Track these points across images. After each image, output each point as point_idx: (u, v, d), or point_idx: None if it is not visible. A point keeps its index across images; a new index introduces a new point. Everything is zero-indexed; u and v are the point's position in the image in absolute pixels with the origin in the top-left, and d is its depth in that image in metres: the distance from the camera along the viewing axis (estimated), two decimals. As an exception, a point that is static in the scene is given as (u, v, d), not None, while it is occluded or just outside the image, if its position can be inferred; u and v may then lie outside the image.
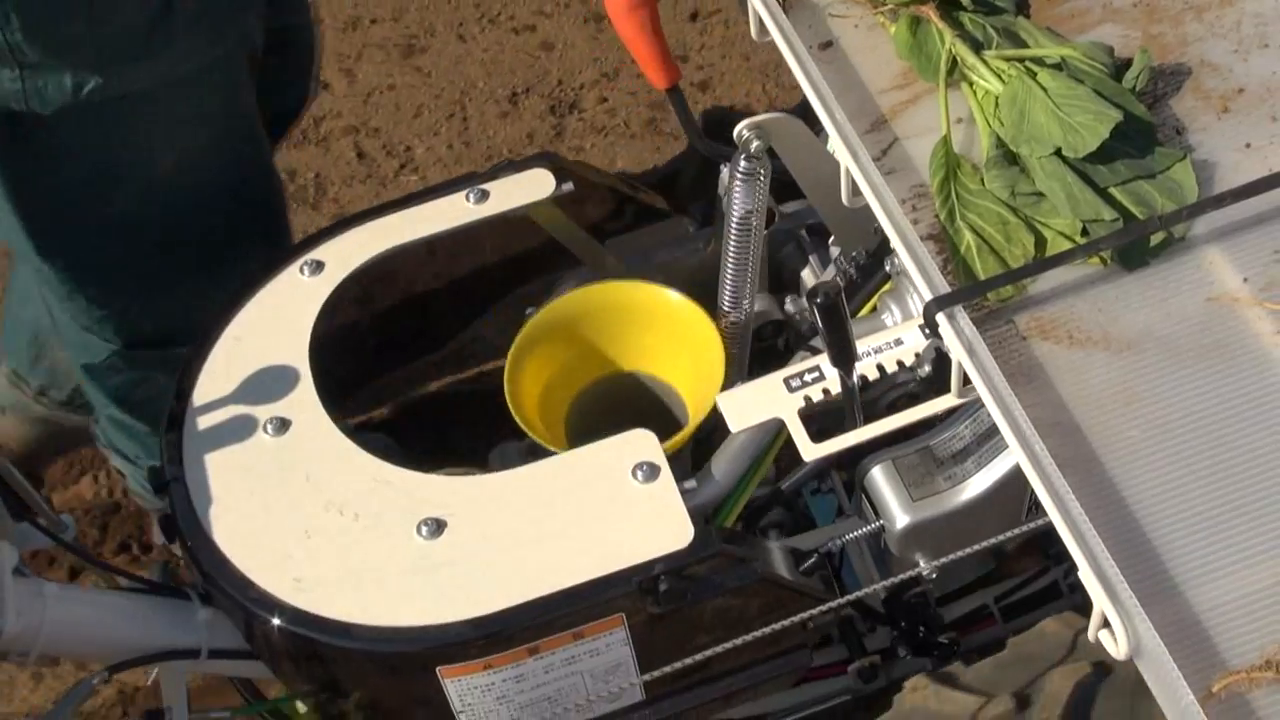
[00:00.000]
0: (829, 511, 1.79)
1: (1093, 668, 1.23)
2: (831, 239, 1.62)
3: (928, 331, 1.25)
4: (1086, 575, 0.95)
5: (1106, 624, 0.95)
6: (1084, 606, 1.67)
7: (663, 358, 1.53)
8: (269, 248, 1.82)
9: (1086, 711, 1.22)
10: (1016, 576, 1.79)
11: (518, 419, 1.41)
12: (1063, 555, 1.75)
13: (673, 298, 1.50)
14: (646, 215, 1.70)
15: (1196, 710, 0.89)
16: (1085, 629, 1.28)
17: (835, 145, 1.18)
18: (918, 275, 1.10)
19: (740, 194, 1.43)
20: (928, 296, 1.09)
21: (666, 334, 1.52)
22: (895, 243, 1.13)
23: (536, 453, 1.43)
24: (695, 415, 1.43)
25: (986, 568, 1.79)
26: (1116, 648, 0.94)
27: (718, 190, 1.53)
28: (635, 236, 1.70)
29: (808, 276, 1.69)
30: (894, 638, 1.68)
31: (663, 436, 1.34)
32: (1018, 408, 1.02)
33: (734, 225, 1.44)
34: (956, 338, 1.06)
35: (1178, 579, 0.95)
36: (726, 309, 1.50)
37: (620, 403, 1.53)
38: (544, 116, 2.79)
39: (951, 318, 1.07)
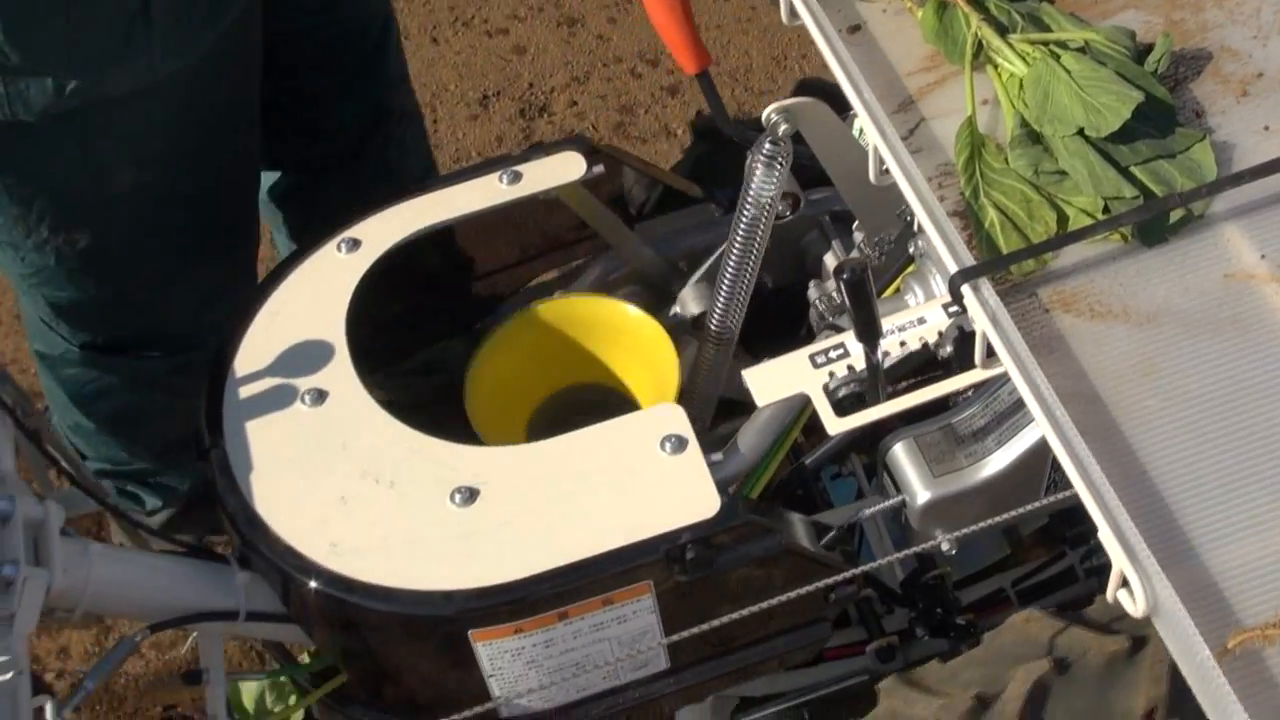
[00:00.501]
0: (849, 495, 1.82)
1: (1052, 664, 1.27)
2: (855, 224, 1.65)
3: (953, 307, 1.29)
4: (1106, 536, 0.98)
5: (1125, 584, 0.98)
6: (1072, 602, 1.71)
7: (621, 370, 1.60)
8: (235, 258, 1.85)
9: (1040, 708, 1.25)
10: (1032, 562, 1.82)
11: (477, 429, 1.48)
12: (1078, 540, 1.78)
13: (631, 313, 1.58)
14: (674, 200, 1.74)
15: (1212, 665, 0.92)
16: (1054, 627, 1.32)
17: (864, 124, 1.22)
18: (944, 249, 1.13)
19: (758, 177, 1.45)
20: (953, 269, 1.12)
21: (624, 347, 1.58)
22: (921, 218, 1.16)
23: None
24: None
25: (1003, 552, 1.82)
26: (1135, 606, 0.97)
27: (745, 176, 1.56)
28: (663, 221, 1.74)
29: (830, 262, 1.72)
30: (912, 619, 1.72)
31: None
32: (1040, 376, 1.05)
33: (746, 207, 1.47)
34: (981, 309, 1.09)
35: (1194, 542, 0.98)
36: (724, 289, 1.52)
37: (581, 412, 1.53)
38: (514, 119, 2.83)
39: (976, 289, 1.10)
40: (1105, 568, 1.75)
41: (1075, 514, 1.72)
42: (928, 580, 1.70)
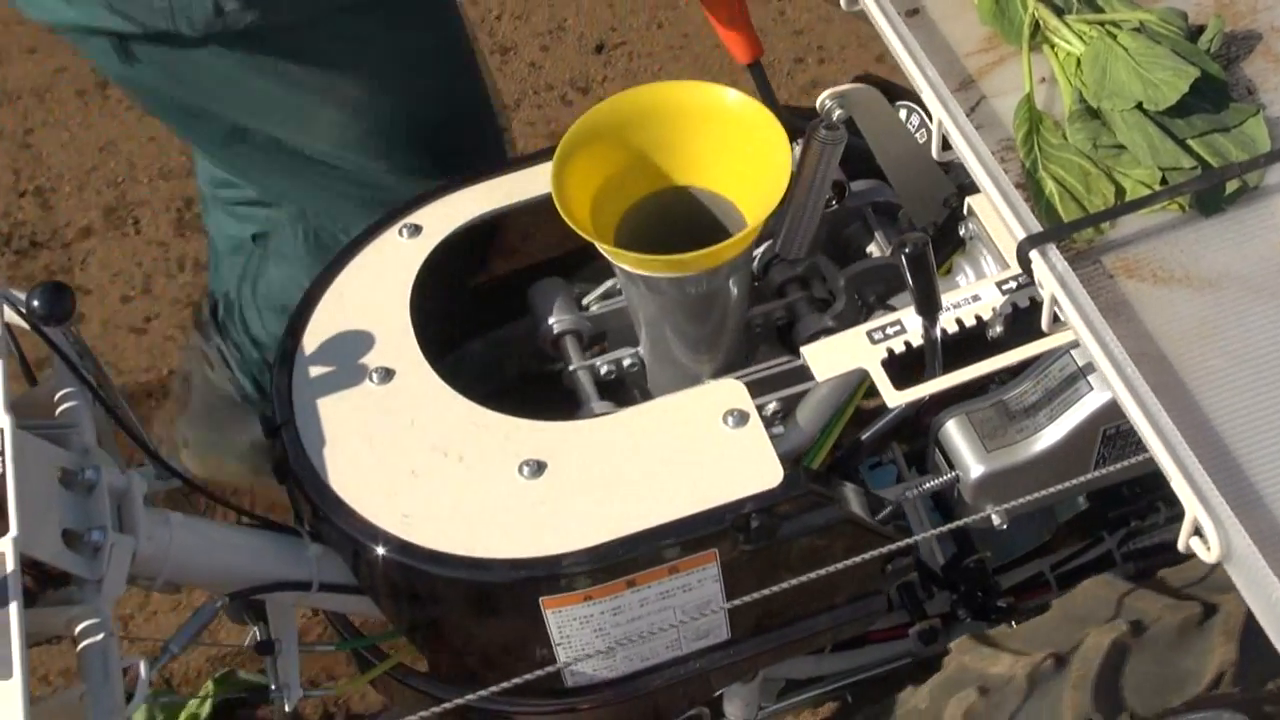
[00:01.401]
0: (888, 484, 1.85)
1: (1129, 627, 1.30)
2: (900, 212, 1.69)
3: (1007, 284, 1.33)
4: (1179, 484, 1.02)
5: (1197, 533, 1.02)
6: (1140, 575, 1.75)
7: (721, 166, 1.46)
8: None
9: (1120, 668, 1.29)
10: (1070, 547, 1.85)
11: (569, 221, 1.36)
12: (1117, 523, 1.81)
13: (730, 97, 1.45)
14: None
15: (1287, 603, 0.96)
16: (1126, 590, 1.36)
17: (928, 101, 1.26)
18: (1011, 217, 1.17)
19: (816, 160, 1.49)
20: (1020, 236, 1.16)
21: (723, 138, 1.44)
22: (987, 188, 1.20)
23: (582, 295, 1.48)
24: (753, 221, 1.39)
25: (1042, 539, 1.86)
26: (1209, 551, 1.01)
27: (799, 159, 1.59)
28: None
29: (873, 251, 1.76)
30: (954, 602, 1.75)
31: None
32: (1111, 336, 1.09)
33: (800, 190, 1.50)
34: (1050, 272, 1.13)
35: (1263, 491, 1.02)
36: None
37: (674, 218, 1.48)
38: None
39: (1044, 254, 1.14)
40: (1144, 552, 1.81)
41: (1115, 497, 1.77)
42: (969, 564, 1.73)
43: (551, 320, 1.58)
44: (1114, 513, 1.76)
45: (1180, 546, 1.04)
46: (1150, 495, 1.76)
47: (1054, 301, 1.14)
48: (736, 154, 1.44)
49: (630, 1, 3.12)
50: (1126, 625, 1.39)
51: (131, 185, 2.93)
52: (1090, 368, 1.37)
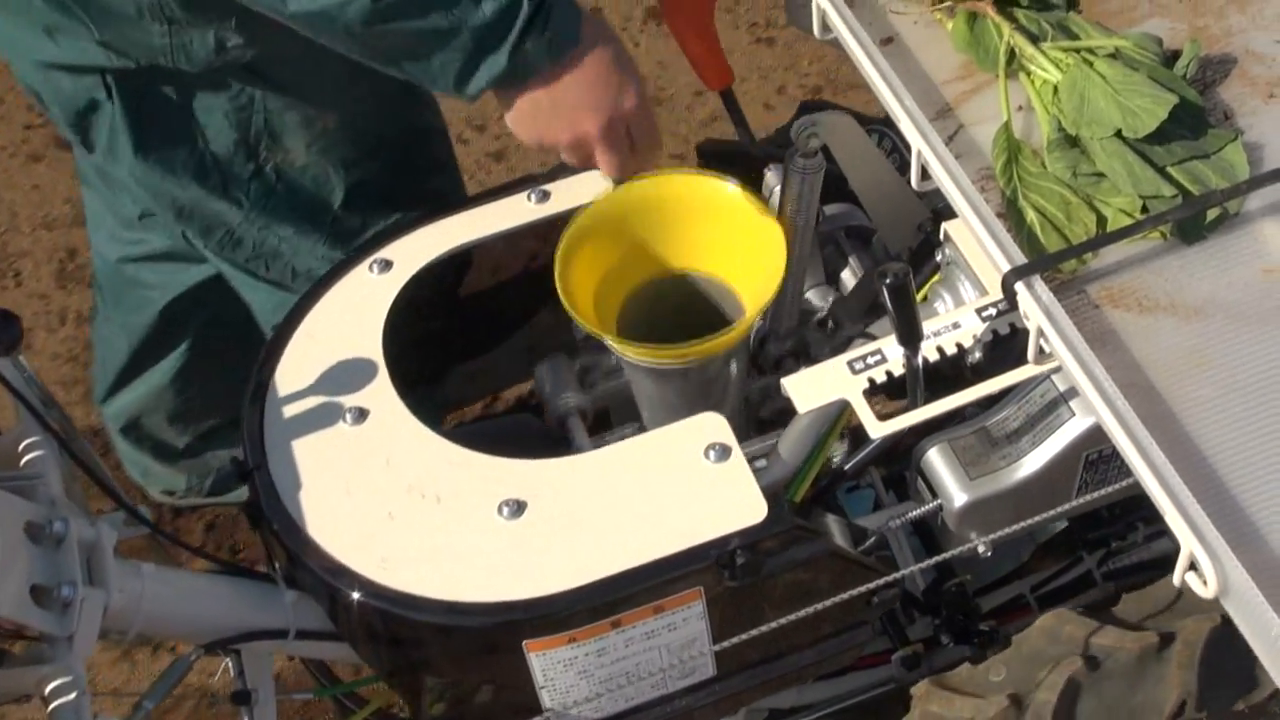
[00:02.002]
0: (865, 507, 1.84)
1: (1083, 663, 1.30)
2: (875, 237, 1.68)
3: (986, 311, 1.32)
4: (1174, 520, 1.01)
5: (1193, 567, 1.01)
6: (1099, 602, 1.74)
7: (718, 253, 1.51)
8: (439, 194, 1.83)
9: (1073, 704, 1.28)
10: (1049, 569, 1.85)
11: (571, 312, 1.40)
12: (1096, 544, 1.81)
13: (729, 189, 1.48)
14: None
15: (1287, 639, 0.95)
16: (1084, 626, 1.36)
17: (906, 131, 1.25)
18: (994, 248, 1.16)
19: (797, 189, 1.48)
20: (1005, 268, 1.15)
21: (722, 227, 1.49)
22: (969, 218, 1.19)
23: (586, 370, 1.48)
24: (752, 310, 1.43)
25: (1020, 560, 1.85)
26: (1205, 588, 1.00)
27: (761, 192, 1.58)
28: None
29: (847, 277, 1.75)
30: (936, 626, 1.73)
31: (716, 333, 1.38)
32: (1099, 368, 1.08)
33: (793, 223, 1.50)
34: (1035, 304, 1.12)
35: (1259, 525, 1.01)
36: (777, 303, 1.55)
37: (674, 303, 1.52)
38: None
39: (1030, 286, 1.13)
40: (1123, 571, 1.80)
41: (1093, 518, 1.76)
42: (950, 588, 1.72)
43: (558, 400, 1.58)
44: (1093, 534, 1.75)
45: (1175, 582, 1.03)
46: (1129, 516, 1.75)
47: (1040, 334, 1.13)
48: (734, 242, 1.48)
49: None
50: (1082, 660, 1.38)
51: (13, 235, 2.84)
52: (1072, 393, 1.36)
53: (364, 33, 1.27)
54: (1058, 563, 1.84)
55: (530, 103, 1.33)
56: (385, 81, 1.66)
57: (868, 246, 1.72)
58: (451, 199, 1.84)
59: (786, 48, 2.98)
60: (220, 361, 2.03)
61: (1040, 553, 1.84)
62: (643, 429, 1.56)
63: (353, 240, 1.71)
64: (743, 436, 1.53)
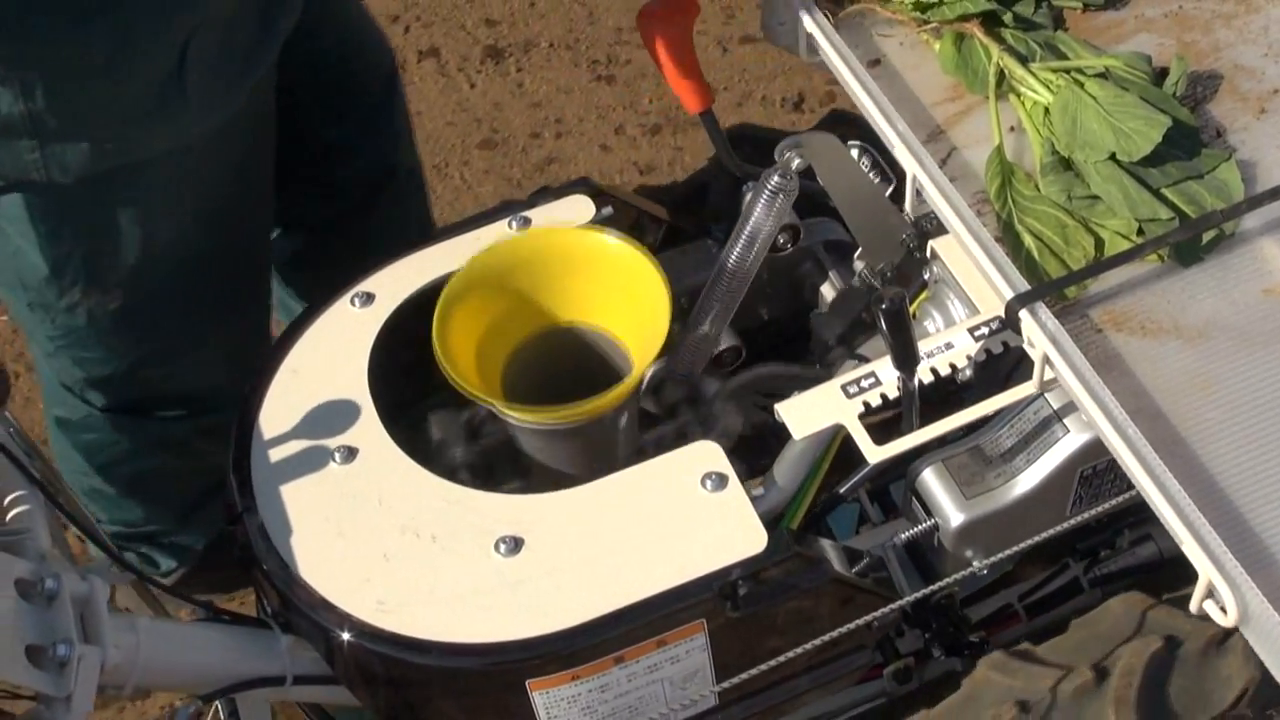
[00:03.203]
0: (848, 523, 1.84)
1: (1164, 642, 1.28)
2: (857, 253, 1.67)
3: (979, 331, 1.31)
4: (1190, 548, 1.00)
5: (1210, 594, 1.01)
6: (1095, 601, 1.74)
7: (603, 306, 1.49)
8: (254, 317, 1.84)
9: (1163, 683, 1.27)
10: (1036, 576, 1.85)
11: (451, 376, 1.37)
12: (1086, 551, 1.81)
13: (609, 241, 1.47)
14: (673, 238, 1.75)
15: (1311, 668, 0.95)
16: (1151, 606, 1.34)
17: (900, 155, 1.24)
18: (995, 274, 1.15)
19: (760, 211, 1.47)
20: (1008, 295, 1.14)
21: (606, 281, 1.48)
22: (969, 244, 1.18)
23: (474, 426, 1.46)
24: (639, 364, 1.41)
25: (1006, 568, 1.85)
26: (1225, 616, 0.99)
27: (744, 208, 1.57)
28: (662, 259, 1.74)
29: (827, 291, 1.74)
30: (926, 639, 1.73)
31: (606, 387, 1.36)
32: (1107, 395, 1.07)
33: (741, 240, 1.48)
34: (1041, 331, 1.11)
35: (1274, 548, 1.01)
36: (702, 322, 1.53)
37: (561, 357, 1.50)
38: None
39: (1034, 313, 1.12)
40: (1110, 577, 1.81)
41: (1080, 526, 1.77)
42: (938, 600, 1.72)
43: (445, 454, 1.53)
44: (1082, 544, 1.75)
45: (1193, 609, 1.03)
46: (1115, 523, 1.76)
47: (1046, 360, 1.12)
48: (619, 295, 1.47)
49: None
50: (1161, 640, 1.37)
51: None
52: (1065, 410, 1.36)
53: None
54: (1044, 570, 1.84)
55: None
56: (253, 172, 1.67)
57: (846, 261, 1.72)
58: None
59: (626, 85, 2.94)
60: None
61: (1027, 560, 1.84)
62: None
63: None
64: None
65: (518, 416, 1.40)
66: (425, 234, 2.01)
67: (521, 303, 1.48)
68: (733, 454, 1.36)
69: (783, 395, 1.47)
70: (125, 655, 1.21)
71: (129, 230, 1.59)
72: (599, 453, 1.48)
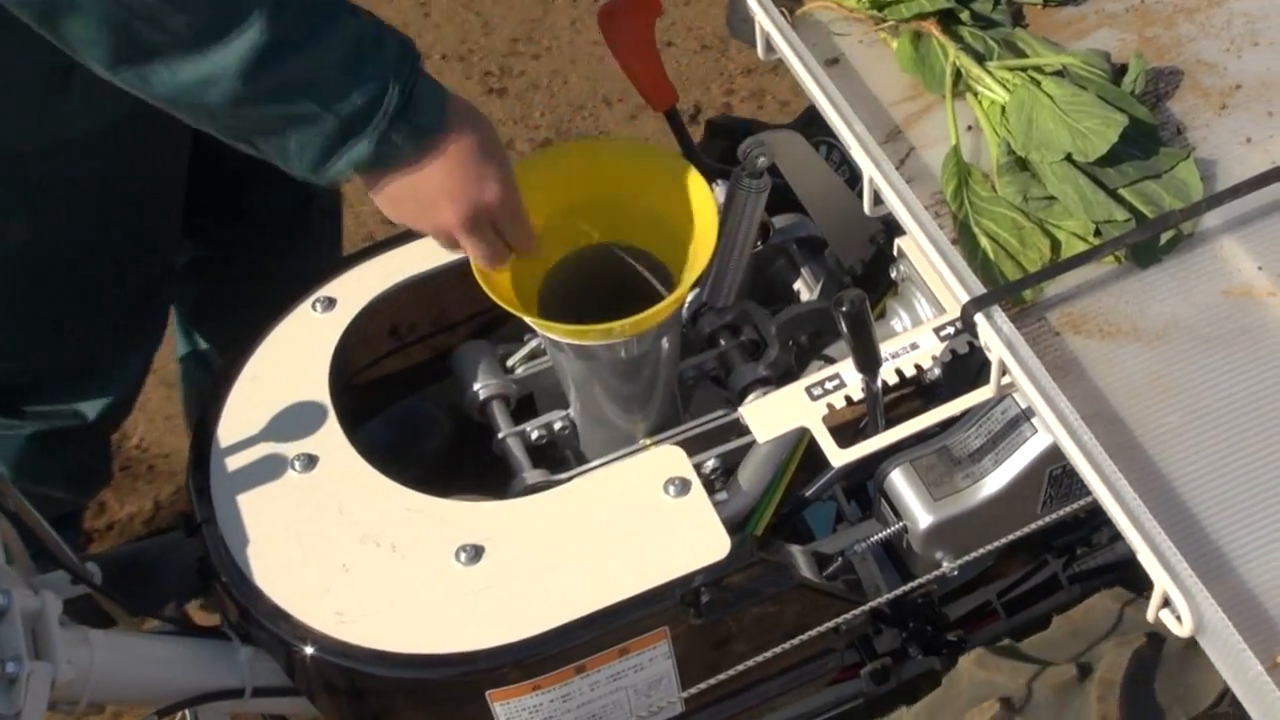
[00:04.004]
0: (826, 520, 1.82)
1: (1148, 639, 1.27)
2: (827, 250, 1.66)
3: (945, 330, 1.29)
4: (1145, 557, 0.99)
5: (1166, 603, 0.99)
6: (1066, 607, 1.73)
7: (647, 224, 1.44)
8: (135, 329, 1.80)
9: (1148, 680, 1.25)
10: (1014, 573, 1.83)
11: (488, 291, 1.33)
12: (1062, 549, 1.79)
13: (657, 155, 1.43)
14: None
15: (1265, 680, 0.93)
16: (1132, 602, 1.33)
17: (857, 157, 1.22)
18: (951, 278, 1.13)
19: (742, 208, 1.46)
20: (964, 298, 1.12)
21: (652, 197, 1.42)
22: (925, 247, 1.16)
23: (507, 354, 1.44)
24: (682, 283, 1.37)
25: (984, 565, 1.83)
26: (1180, 626, 0.98)
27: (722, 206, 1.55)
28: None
29: (800, 289, 1.73)
30: (904, 638, 1.72)
31: (646, 308, 1.32)
32: (1062, 400, 1.06)
33: (722, 238, 1.47)
34: (996, 335, 1.09)
35: (1231, 557, 1.00)
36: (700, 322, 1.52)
37: (600, 275, 1.45)
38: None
39: (990, 316, 1.10)
40: (1088, 574, 1.79)
41: (1059, 524, 1.75)
42: (916, 598, 1.70)
43: (477, 386, 1.52)
44: (1058, 541, 1.73)
45: (1149, 618, 1.01)
46: (1093, 519, 1.74)
47: (1002, 365, 1.10)
48: (661, 212, 1.41)
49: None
50: (1145, 637, 1.35)
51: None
52: (1034, 410, 1.34)
53: (227, 114, 1.19)
54: (1023, 567, 1.83)
55: (391, 188, 1.25)
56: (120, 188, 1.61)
57: (819, 257, 1.70)
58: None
59: (518, 99, 2.90)
60: None
61: (1005, 556, 1.83)
62: (569, 416, 1.51)
63: None
64: (676, 418, 1.52)
65: (558, 334, 1.36)
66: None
67: (561, 218, 1.42)
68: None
69: (827, 333, 1.49)
70: (78, 671, 1.19)
71: (7, 220, 1.54)
72: (638, 379, 1.45)
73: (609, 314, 1.33)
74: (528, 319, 1.36)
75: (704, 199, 1.37)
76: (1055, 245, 1.17)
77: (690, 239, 1.38)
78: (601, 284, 1.44)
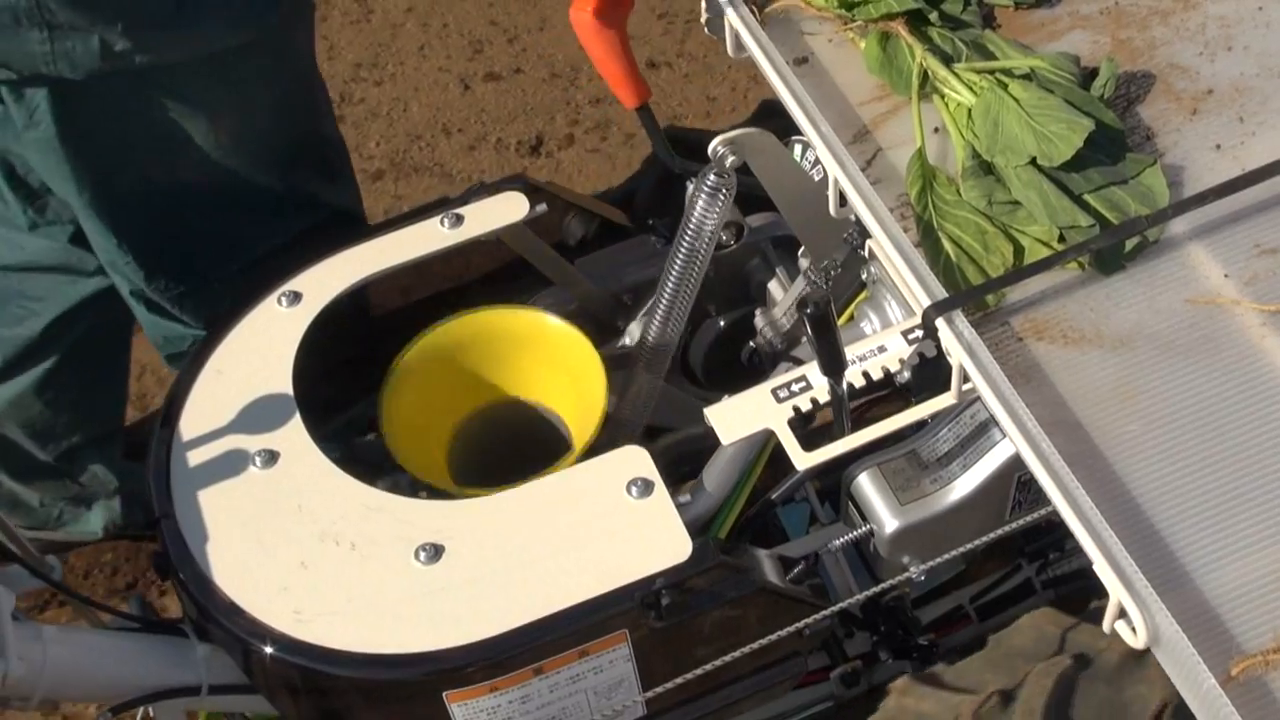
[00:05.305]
0: (800, 521, 1.81)
1: (1072, 661, 1.26)
2: (801, 250, 1.64)
3: (913, 334, 1.28)
4: (1102, 568, 0.98)
5: (1121, 614, 0.98)
6: (1059, 601, 1.72)
7: (544, 384, 1.54)
8: (329, 211, 1.78)
9: (1068, 703, 1.25)
10: (988, 577, 1.82)
11: (395, 455, 1.42)
12: (1035, 553, 1.78)
13: (551, 322, 1.53)
14: (612, 234, 1.72)
15: (1219, 693, 0.92)
16: (1061, 622, 1.32)
17: (823, 157, 1.21)
18: (914, 282, 1.12)
19: (700, 208, 1.44)
20: (925, 303, 1.11)
21: (546, 360, 1.53)
22: (888, 250, 1.15)
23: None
24: (579, 440, 1.45)
25: (958, 568, 1.82)
26: (1135, 638, 0.97)
27: (686, 206, 1.54)
28: (603, 255, 1.72)
29: (775, 288, 1.72)
30: (874, 642, 1.71)
31: (550, 463, 1.39)
32: (1021, 407, 1.04)
33: (686, 238, 1.46)
34: (957, 341, 1.08)
35: (1188, 568, 0.98)
36: (657, 320, 1.52)
37: (504, 432, 1.54)
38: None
39: (950, 322, 1.09)
40: (1062, 579, 1.78)
41: (1032, 528, 1.74)
42: (887, 602, 1.69)
43: None
44: (1030, 546, 1.72)
45: (1105, 629, 1.00)
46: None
47: (963, 371, 1.09)
48: (556, 373, 1.52)
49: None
50: (1071, 659, 1.35)
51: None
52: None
53: None
54: (996, 571, 1.82)
55: None
56: (284, 89, 1.61)
57: (794, 257, 1.69)
58: (351, 211, 1.79)
59: (355, 127, 2.84)
60: (90, 375, 1.98)
61: (978, 560, 1.82)
62: None
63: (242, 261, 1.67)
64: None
65: (465, 496, 1.38)
66: None
67: (466, 380, 1.53)
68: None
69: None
70: (30, 668, 1.19)
71: (184, 130, 1.55)
72: None
73: (515, 464, 1.40)
74: (436, 486, 1.42)
75: (594, 367, 1.47)
76: (1019, 250, 1.16)
77: (584, 402, 1.47)
78: (508, 436, 1.54)
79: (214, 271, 1.69)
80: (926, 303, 1.11)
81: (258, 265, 1.66)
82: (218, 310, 1.67)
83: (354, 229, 1.56)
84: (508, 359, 1.54)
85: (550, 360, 1.52)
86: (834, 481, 1.68)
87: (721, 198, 1.44)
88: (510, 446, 1.50)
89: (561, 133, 2.81)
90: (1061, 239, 1.14)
